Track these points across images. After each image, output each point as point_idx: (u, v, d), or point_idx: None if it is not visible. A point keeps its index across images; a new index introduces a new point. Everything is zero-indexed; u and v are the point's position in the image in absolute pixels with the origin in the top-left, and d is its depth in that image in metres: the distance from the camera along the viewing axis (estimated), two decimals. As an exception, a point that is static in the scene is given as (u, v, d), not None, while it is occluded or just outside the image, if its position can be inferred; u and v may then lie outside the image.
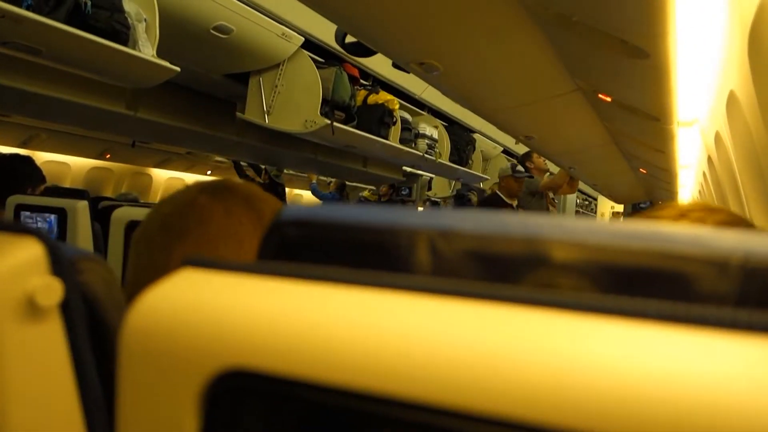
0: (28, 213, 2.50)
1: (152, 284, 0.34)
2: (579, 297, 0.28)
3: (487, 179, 6.98)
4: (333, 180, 9.07)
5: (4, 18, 2.09)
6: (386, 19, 1.93)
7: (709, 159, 2.75)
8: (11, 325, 0.43)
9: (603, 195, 9.84)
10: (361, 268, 0.37)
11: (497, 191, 5.20)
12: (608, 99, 2.49)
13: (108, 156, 7.01)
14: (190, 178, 8.67)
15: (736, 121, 1.70)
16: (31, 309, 0.44)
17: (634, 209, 12.80)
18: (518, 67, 2.49)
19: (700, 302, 0.33)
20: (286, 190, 8.95)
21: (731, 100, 1.64)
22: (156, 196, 8.11)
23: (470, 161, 6.55)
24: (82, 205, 2.43)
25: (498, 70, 2.51)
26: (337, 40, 3.53)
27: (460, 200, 8.95)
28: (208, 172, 8.74)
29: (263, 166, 7.50)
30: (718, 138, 2.18)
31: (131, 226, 1.75)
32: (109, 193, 7.42)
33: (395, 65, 3.58)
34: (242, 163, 7.41)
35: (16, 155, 3.10)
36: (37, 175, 2.98)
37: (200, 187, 0.88)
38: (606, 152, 4.43)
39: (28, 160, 3.03)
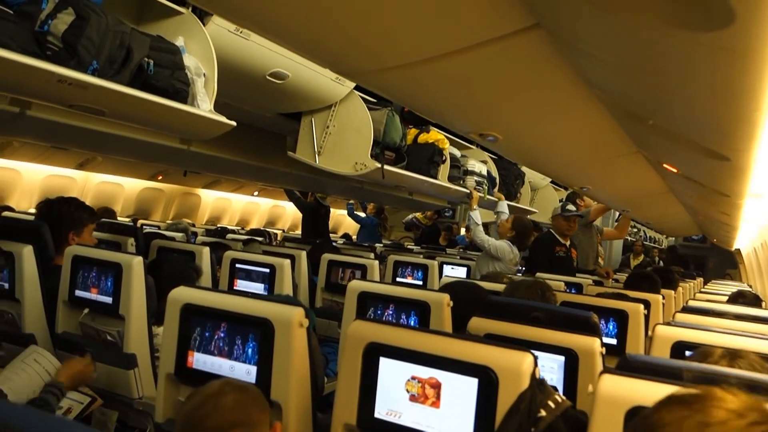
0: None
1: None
2: None
3: (535, 212, 6.85)
4: (371, 204, 8.98)
5: (71, 85, 2.13)
6: (447, 98, 1.90)
7: (780, 230, 2.61)
8: None
9: (653, 229, 9.59)
10: None
11: (551, 230, 5.11)
12: (674, 170, 2.40)
13: (160, 177, 7.16)
14: (238, 198, 8.79)
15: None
16: None
17: (686, 240, 12.44)
18: (579, 134, 2.42)
19: None
20: (331, 210, 8.99)
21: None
22: (203, 218, 8.23)
23: (519, 194, 6.45)
24: (137, 261, 2.45)
25: (558, 137, 2.45)
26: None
27: None
28: (255, 193, 8.85)
29: (309, 191, 7.55)
30: (794, 222, 2.06)
31: (186, 309, 1.75)
32: (159, 214, 7.58)
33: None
34: (289, 187, 7.47)
35: (62, 199, 3.09)
36: (82, 218, 2.96)
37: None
38: (663, 200, 4.29)
39: (75, 202, 3.03)
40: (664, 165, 2.41)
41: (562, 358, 1.88)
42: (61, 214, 2.86)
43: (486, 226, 5.41)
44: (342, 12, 1.32)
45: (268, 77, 3.38)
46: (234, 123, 2.88)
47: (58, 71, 2.10)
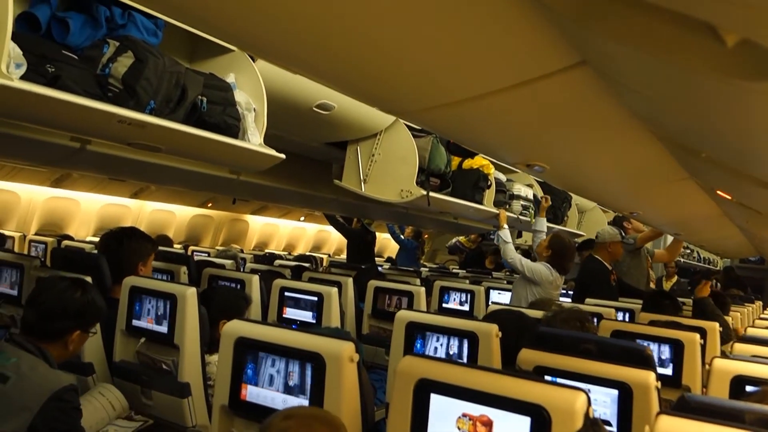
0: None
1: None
2: None
3: (582, 235, 6.73)
4: (409, 227, 8.91)
5: (130, 125, 2.23)
6: (494, 133, 1.91)
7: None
8: None
9: (708, 251, 9.27)
10: None
11: (596, 256, 4.91)
12: (728, 197, 2.34)
13: (210, 205, 7.35)
14: (285, 224, 8.94)
15: None
16: None
17: (742, 261, 11.99)
18: (628, 162, 2.39)
19: None
20: (376, 234, 9.03)
21: None
22: (251, 243, 8.39)
23: (566, 217, 6.37)
24: (191, 293, 2.52)
25: (606, 165, 2.42)
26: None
27: None
28: (302, 218, 8.98)
29: (354, 217, 7.61)
30: None
31: (240, 342, 1.80)
32: (208, 240, 7.76)
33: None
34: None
35: (125, 230, 3.23)
36: (148, 248, 3.08)
37: None
38: (717, 223, 4.17)
39: (138, 233, 3.14)
40: (718, 192, 2.36)
41: (615, 392, 1.85)
42: (131, 248, 2.98)
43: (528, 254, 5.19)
44: (388, 54, 1.36)
45: (314, 109, 3.46)
46: (283, 156, 2.96)
47: (118, 112, 2.21)
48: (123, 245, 2.98)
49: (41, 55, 2.14)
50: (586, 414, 1.28)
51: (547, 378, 1.81)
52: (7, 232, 5.85)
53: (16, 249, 5.59)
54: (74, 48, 2.36)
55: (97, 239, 5.01)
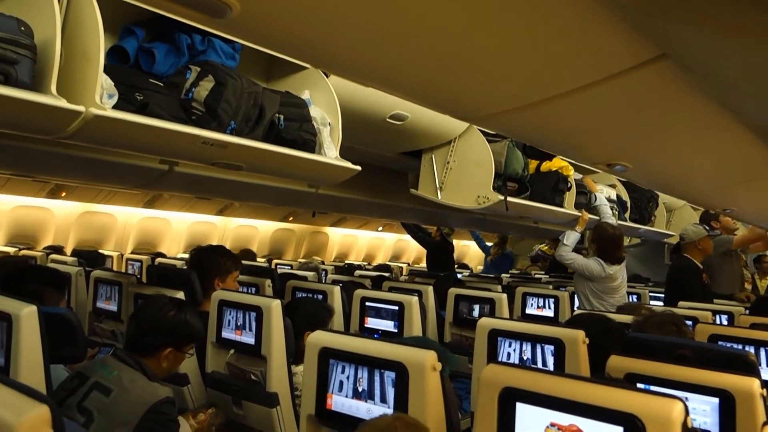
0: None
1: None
2: None
3: (672, 235, 6.42)
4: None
5: (213, 146, 2.33)
6: (572, 133, 1.86)
7: None
8: None
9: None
10: None
11: (686, 255, 4.70)
12: (834, 188, 2.17)
13: (291, 219, 7.55)
14: (364, 234, 9.04)
15: None
16: None
17: None
18: (719, 157, 2.27)
19: None
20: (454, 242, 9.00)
21: None
22: (332, 255, 8.53)
23: (653, 217, 6.09)
24: (276, 305, 2.59)
25: (695, 161, 2.31)
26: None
27: None
28: (380, 228, 9.06)
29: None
30: None
31: (324, 352, 1.83)
32: (290, 253, 7.96)
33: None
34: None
35: (210, 246, 3.38)
36: (227, 265, 3.19)
37: None
38: (823, 217, 3.88)
39: (221, 250, 3.27)
40: (822, 183, 2.20)
41: (716, 401, 1.75)
42: (209, 262, 3.12)
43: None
44: (460, 61, 1.35)
45: (388, 120, 3.49)
46: (359, 168, 3.00)
47: (201, 134, 2.31)
48: (202, 260, 3.13)
49: (131, 84, 2.28)
50: (684, 424, 1.22)
51: (640, 386, 1.74)
52: (106, 252, 6.23)
53: (114, 267, 5.94)
54: (160, 75, 2.50)
55: (187, 255, 5.27)
